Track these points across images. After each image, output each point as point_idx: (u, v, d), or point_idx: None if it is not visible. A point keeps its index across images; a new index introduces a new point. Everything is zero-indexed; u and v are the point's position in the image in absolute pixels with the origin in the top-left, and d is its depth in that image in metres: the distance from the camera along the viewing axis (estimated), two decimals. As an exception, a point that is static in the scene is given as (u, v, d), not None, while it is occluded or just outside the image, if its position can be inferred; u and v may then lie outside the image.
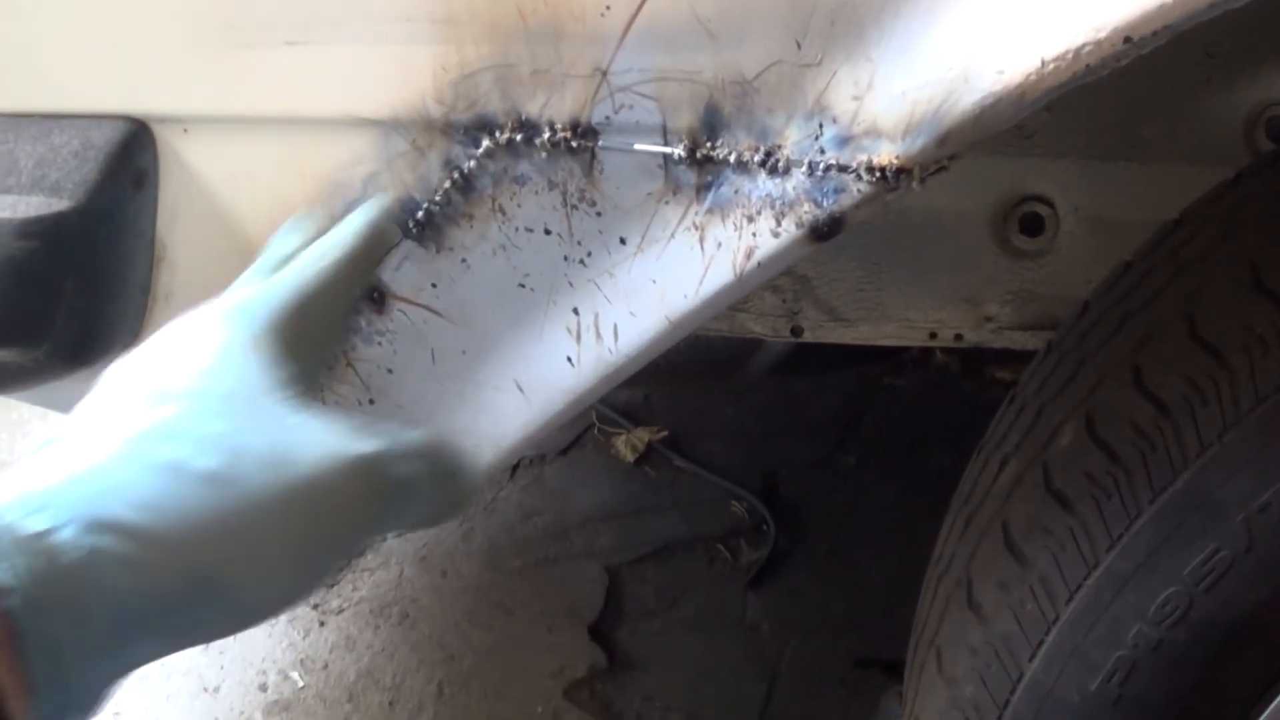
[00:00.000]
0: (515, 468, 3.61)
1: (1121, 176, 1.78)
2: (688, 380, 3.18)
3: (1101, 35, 1.00)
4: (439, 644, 3.10)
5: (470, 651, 3.08)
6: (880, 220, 1.81)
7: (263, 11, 1.29)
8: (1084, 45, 1.00)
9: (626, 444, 3.69)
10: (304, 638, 3.17)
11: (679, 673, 3.03)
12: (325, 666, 3.09)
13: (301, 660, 3.11)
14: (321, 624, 3.20)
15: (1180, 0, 0.97)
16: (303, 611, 3.22)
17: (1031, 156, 1.77)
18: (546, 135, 1.22)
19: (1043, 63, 1.01)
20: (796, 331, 1.89)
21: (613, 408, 3.76)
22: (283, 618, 3.19)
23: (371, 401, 1.49)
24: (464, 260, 1.34)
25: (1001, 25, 1.03)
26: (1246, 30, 1.69)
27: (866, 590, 3.18)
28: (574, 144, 1.21)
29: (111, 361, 1.05)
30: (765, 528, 3.41)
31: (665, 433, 3.72)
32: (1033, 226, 1.80)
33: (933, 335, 1.89)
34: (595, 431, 3.74)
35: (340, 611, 3.23)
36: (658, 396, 3.84)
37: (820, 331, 1.90)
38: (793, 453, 3.68)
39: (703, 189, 1.19)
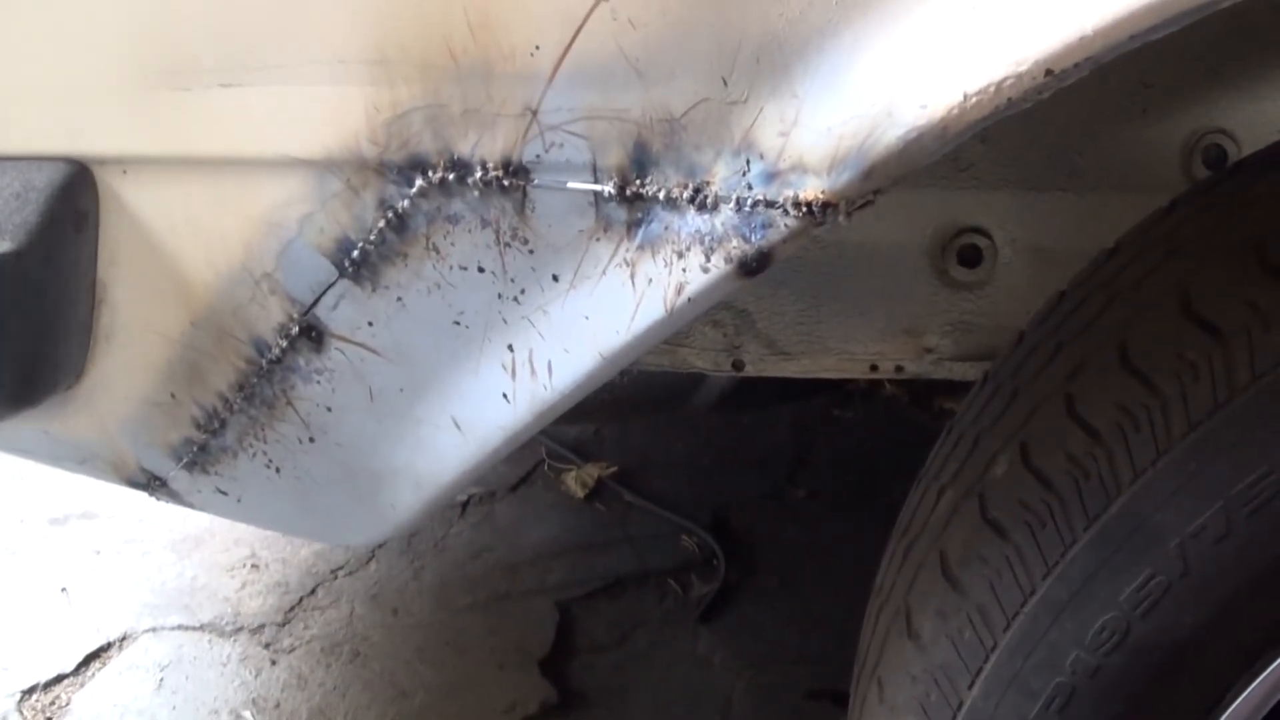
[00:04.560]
0: (465, 505, 3.61)
1: (1058, 206, 1.79)
2: (632, 414, 3.19)
3: (1023, 69, 1.01)
4: (390, 682, 3.09)
5: (422, 689, 3.07)
6: (820, 254, 1.81)
7: (198, 54, 1.30)
8: (1005, 79, 1.01)
9: (576, 479, 3.70)
10: (255, 677, 3.15)
11: (631, 708, 3.02)
12: (278, 705, 3.07)
13: (254, 699, 3.09)
14: (273, 663, 3.18)
15: (1100, 33, 0.98)
16: (254, 650, 3.21)
17: (968, 188, 1.78)
18: (479, 174, 1.23)
19: (965, 97, 1.02)
20: (738, 366, 1.90)
21: (562, 443, 3.77)
22: (234, 657, 3.17)
23: (312, 440, 1.49)
24: (399, 299, 1.34)
25: (924, 60, 1.04)
26: (1182, 59, 1.70)
27: (818, 622, 3.18)
28: (506, 182, 1.22)
29: (54, 401, 1.05)
30: (716, 561, 3.42)
31: (615, 468, 3.73)
32: (971, 258, 1.81)
33: (873, 367, 1.90)
34: (545, 467, 3.75)
35: (292, 650, 3.22)
36: (608, 431, 3.84)
37: (761, 365, 1.90)
38: (743, 486, 3.70)
39: (633, 226, 1.19)
